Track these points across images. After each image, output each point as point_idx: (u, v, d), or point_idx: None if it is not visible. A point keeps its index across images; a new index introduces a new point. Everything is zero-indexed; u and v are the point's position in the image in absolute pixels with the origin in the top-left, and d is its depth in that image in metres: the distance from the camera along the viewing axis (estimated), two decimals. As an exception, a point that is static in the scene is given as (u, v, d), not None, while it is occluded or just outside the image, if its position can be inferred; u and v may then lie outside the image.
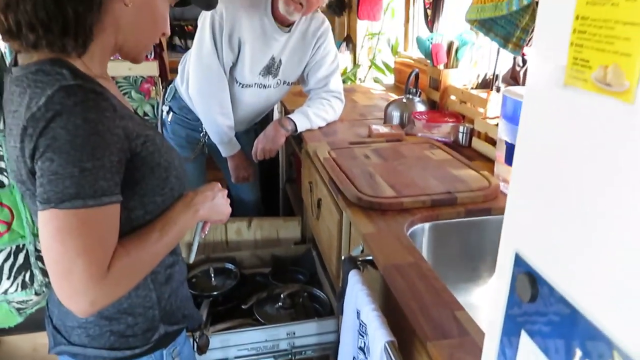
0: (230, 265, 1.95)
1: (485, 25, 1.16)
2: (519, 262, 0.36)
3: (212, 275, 1.87)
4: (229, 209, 1.04)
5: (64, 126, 0.68)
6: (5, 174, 1.04)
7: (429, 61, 2.03)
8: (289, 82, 1.98)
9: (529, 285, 0.34)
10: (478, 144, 1.62)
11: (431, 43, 1.96)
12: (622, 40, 0.27)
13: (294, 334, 1.54)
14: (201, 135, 2.02)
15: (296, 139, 2.04)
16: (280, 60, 1.89)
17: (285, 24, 1.82)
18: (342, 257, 1.14)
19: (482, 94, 1.69)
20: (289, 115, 1.88)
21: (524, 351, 0.37)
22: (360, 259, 1.08)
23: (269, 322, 1.62)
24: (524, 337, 0.36)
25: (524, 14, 1.15)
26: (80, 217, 0.70)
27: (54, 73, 0.73)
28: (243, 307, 1.73)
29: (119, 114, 0.75)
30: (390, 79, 2.90)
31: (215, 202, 0.97)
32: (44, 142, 0.69)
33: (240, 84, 1.89)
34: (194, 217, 0.92)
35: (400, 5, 2.80)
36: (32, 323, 1.17)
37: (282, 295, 1.75)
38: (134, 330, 0.90)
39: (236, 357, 1.51)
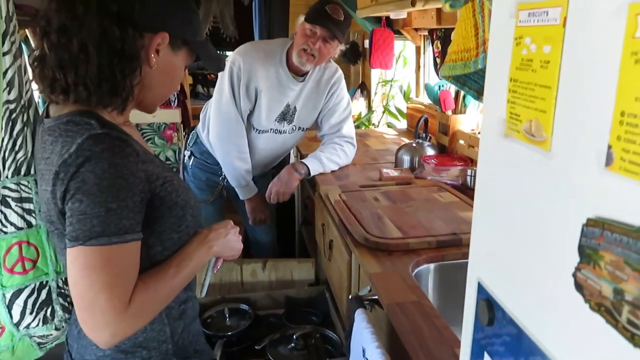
0: (244, 306, 1.99)
1: (460, 80, 1.23)
2: (480, 289, 0.41)
3: (227, 315, 1.90)
4: (241, 245, 1.09)
5: (93, 170, 0.76)
6: (33, 214, 1.10)
7: (437, 107, 2.10)
8: (303, 128, 2.07)
9: (487, 310, 0.38)
10: (486, 187, 1.65)
11: (439, 90, 2.04)
12: (539, 99, 0.32)
13: (306, 375, 1.55)
14: (220, 179, 2.10)
15: (310, 183, 2.10)
16: (295, 108, 1.98)
17: (299, 74, 1.92)
18: (349, 297, 1.18)
19: (489, 138, 1.74)
20: (303, 160, 1.96)
21: (487, 371, 0.41)
22: (367, 298, 1.11)
23: (282, 362, 1.64)
24: (487, 359, 0.40)
25: (493, 70, 1.21)
26: (105, 254, 0.76)
27: (83, 123, 0.81)
28: (256, 347, 1.75)
29: (142, 158, 0.82)
30: (403, 124, 2.98)
31: (228, 239, 1.03)
32: (74, 185, 0.76)
33: (257, 130, 1.98)
34: (208, 252, 0.98)
35: (411, 53, 2.91)
36: (52, 358, 1.21)
37: (295, 336, 1.77)
38: (148, 364, 0.94)
39: (248, 398, 1.52)
